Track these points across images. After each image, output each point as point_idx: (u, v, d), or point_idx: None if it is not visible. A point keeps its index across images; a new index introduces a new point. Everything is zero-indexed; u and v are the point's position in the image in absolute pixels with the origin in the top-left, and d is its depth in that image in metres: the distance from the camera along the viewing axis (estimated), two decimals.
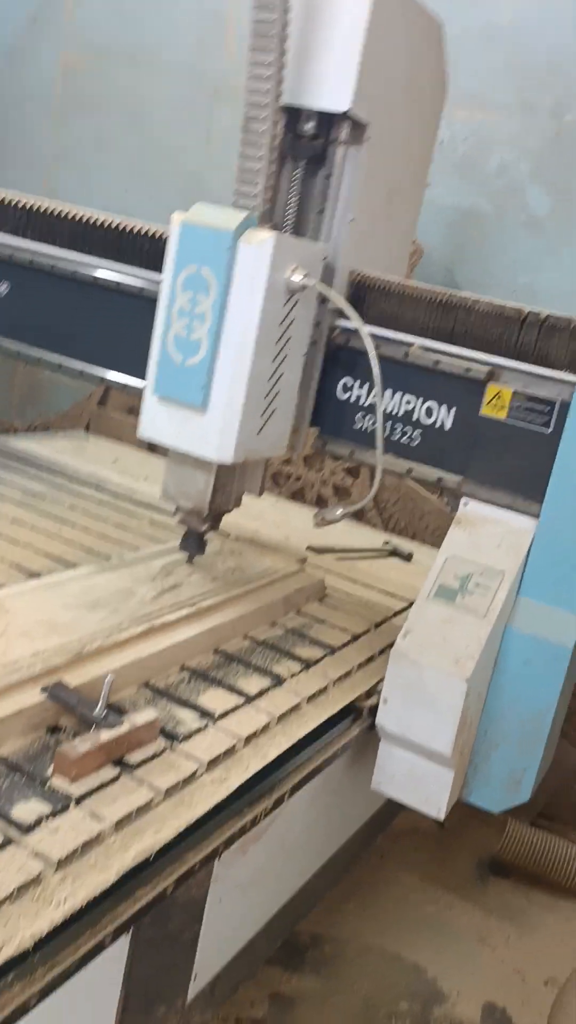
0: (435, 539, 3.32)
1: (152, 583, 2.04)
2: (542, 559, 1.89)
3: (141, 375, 2.33)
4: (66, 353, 2.42)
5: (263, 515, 3.00)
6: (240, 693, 1.81)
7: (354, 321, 1.81)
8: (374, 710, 1.93)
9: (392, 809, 2.57)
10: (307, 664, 2.01)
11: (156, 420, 1.87)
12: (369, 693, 2.00)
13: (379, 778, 1.95)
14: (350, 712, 1.94)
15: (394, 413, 2.02)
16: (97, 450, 3.55)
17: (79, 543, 2.37)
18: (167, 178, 3.83)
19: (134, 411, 3.84)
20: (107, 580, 2.02)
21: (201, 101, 3.77)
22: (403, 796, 1.94)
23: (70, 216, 2.31)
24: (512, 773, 1.94)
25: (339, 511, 2.02)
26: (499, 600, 1.86)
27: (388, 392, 2.01)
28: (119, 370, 2.35)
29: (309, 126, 1.80)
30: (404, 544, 3.11)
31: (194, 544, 2.12)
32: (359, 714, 1.96)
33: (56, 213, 2.33)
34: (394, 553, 2.99)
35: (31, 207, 2.35)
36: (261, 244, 1.68)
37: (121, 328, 2.31)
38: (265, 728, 1.73)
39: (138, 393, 2.32)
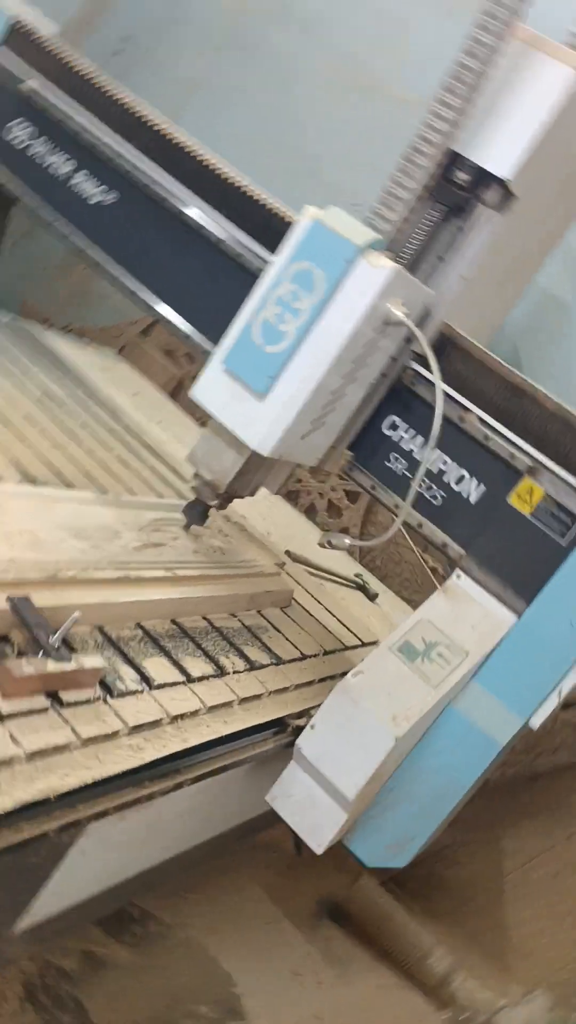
0: (404, 589, 3.35)
1: (139, 532, 2.03)
2: (507, 655, 1.91)
3: (195, 322, 2.35)
4: (130, 271, 2.42)
5: (254, 503, 3.00)
6: (182, 671, 1.81)
7: (434, 375, 1.82)
8: (299, 730, 1.95)
9: (268, 821, 2.58)
10: (252, 666, 2.01)
11: (213, 388, 1.87)
12: (300, 714, 2.01)
13: (276, 793, 1.96)
14: (275, 725, 1.96)
15: (428, 469, 2.03)
16: (122, 377, 3.52)
17: (81, 464, 2.35)
18: (285, 151, 3.80)
19: (171, 354, 3.84)
20: (97, 513, 2.00)
21: (347, 88, 3.74)
22: (291, 819, 1.96)
23: (197, 156, 2.31)
24: (400, 838, 1.96)
25: (347, 541, 2.03)
26: (454, 677, 1.89)
27: (441, 462, 2.04)
28: (176, 310, 2.35)
29: (464, 177, 1.80)
30: (374, 583, 3.13)
31: (197, 515, 2.12)
32: (284, 729, 1.97)
33: (185, 148, 2.32)
34: (362, 588, 3.01)
35: (164, 132, 2.34)
36: (380, 270, 1.69)
37: (194, 272, 2.31)
38: (194, 713, 1.74)
39: (182, 337, 2.33)
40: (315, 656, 2.28)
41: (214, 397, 1.88)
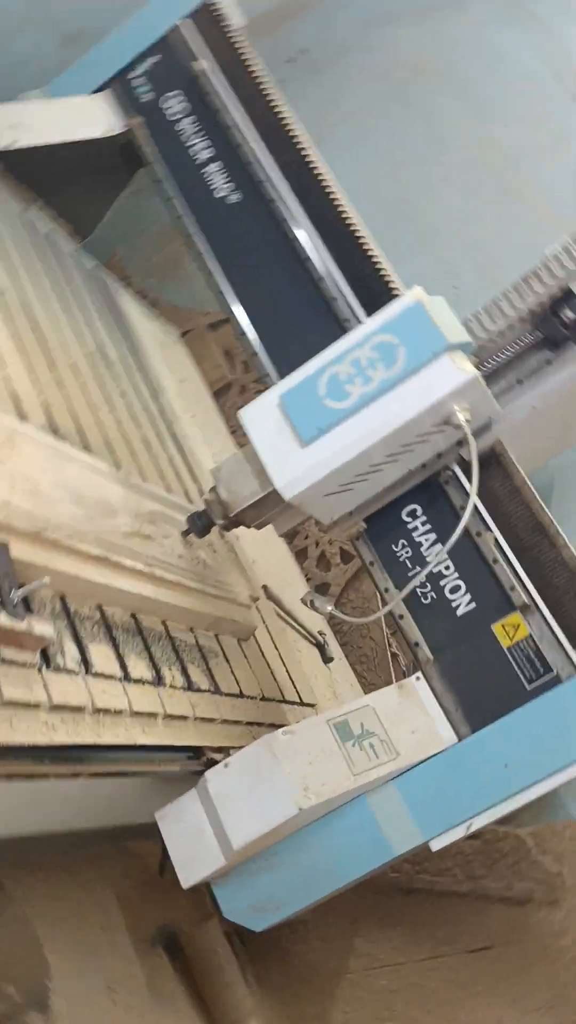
0: (360, 663, 3.33)
1: (134, 519, 2.02)
2: (434, 772, 1.90)
3: (266, 342, 2.36)
4: (225, 270, 2.44)
5: (257, 544, 3.00)
6: (123, 667, 1.80)
7: (472, 486, 1.82)
8: (212, 763, 1.92)
9: (146, 833, 2.54)
10: (189, 686, 1.99)
11: (261, 416, 1.88)
12: (218, 749, 1.98)
13: (166, 813, 1.93)
14: (190, 752, 1.93)
15: (433, 571, 2.03)
16: (176, 360, 3.52)
17: (106, 431, 2.35)
18: (407, 210, 3.81)
19: (230, 355, 3.84)
20: (102, 486, 1.99)
21: (491, 179, 3.76)
22: (172, 843, 1.92)
23: (327, 189, 2.33)
24: (267, 902, 1.93)
25: (329, 608, 2.04)
26: (377, 772, 1.87)
27: (444, 567, 2.03)
28: (253, 322, 2.36)
29: (571, 317, 1.81)
30: (334, 646, 3.11)
31: (199, 527, 2.12)
32: (199, 757, 1.95)
33: (319, 177, 2.35)
34: (321, 648, 2.99)
35: (306, 155, 2.37)
36: (460, 372, 1.70)
37: (284, 295, 2.33)
38: (118, 712, 1.72)
39: (249, 351, 2.35)
40: (252, 698, 2.26)
41: (259, 425, 1.88)
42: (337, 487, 1.87)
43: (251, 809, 1.81)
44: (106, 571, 1.81)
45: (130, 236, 4.13)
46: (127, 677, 1.79)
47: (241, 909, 1.96)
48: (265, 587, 2.81)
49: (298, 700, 2.53)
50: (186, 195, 2.54)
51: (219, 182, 2.50)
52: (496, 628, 1.98)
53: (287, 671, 2.59)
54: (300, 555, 3.52)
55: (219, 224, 2.48)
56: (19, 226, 2.70)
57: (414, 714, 1.96)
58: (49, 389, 2.19)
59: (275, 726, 2.23)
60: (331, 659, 3.01)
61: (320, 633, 3.05)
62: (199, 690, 2.02)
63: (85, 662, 1.69)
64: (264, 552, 2.98)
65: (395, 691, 1.99)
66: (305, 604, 2.07)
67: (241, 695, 2.20)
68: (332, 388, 1.81)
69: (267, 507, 2.00)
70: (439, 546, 2.05)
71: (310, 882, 1.90)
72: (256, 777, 1.82)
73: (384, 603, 2.08)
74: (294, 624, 2.88)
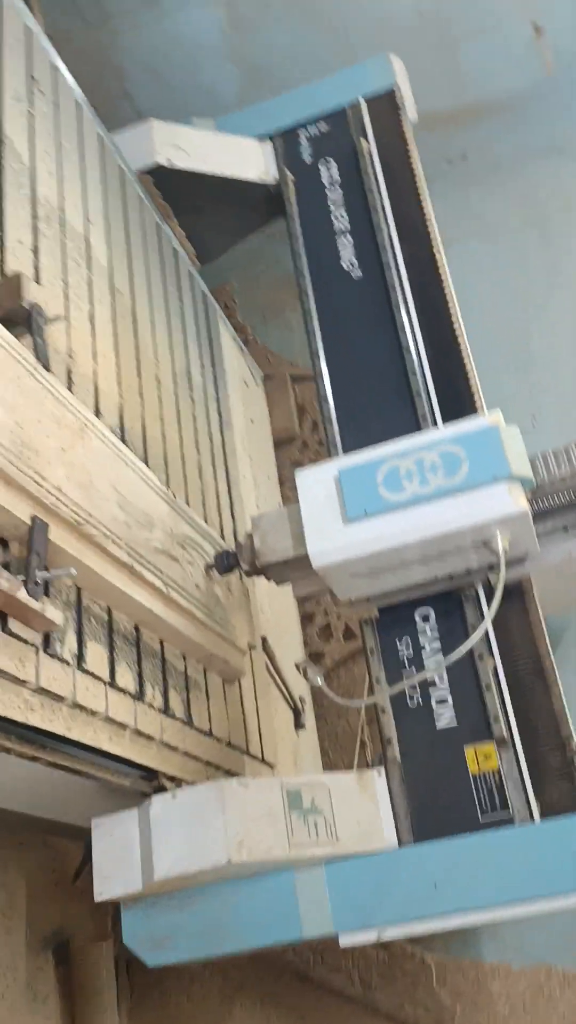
0: (328, 739, 3.35)
1: (167, 538, 2.09)
2: (365, 870, 1.92)
3: (342, 409, 2.45)
4: (324, 333, 2.55)
5: (270, 595, 3.05)
6: (112, 673, 1.85)
7: (489, 611, 1.88)
8: (161, 789, 1.96)
9: (74, 833, 2.57)
10: (165, 711, 2.04)
11: (315, 484, 1.95)
12: (172, 777, 2.02)
13: (102, 823, 1.95)
14: (145, 771, 1.97)
15: (428, 678, 2.08)
16: (252, 399, 3.61)
17: (166, 447, 2.43)
18: (513, 333, 3.91)
19: (302, 411, 3.93)
20: (148, 499, 2.06)
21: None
22: (98, 853, 1.93)
23: (445, 293, 2.44)
24: (166, 941, 1.94)
25: (319, 681, 2.09)
26: (313, 851, 1.89)
27: (438, 677, 2.09)
28: (334, 389, 2.46)
29: None
30: (309, 715, 3.14)
31: (223, 565, 2.19)
32: (150, 779, 1.98)
33: (440, 278, 2.46)
34: (296, 713, 3.02)
35: (434, 256, 2.48)
36: (513, 504, 1.77)
37: (372, 375, 2.43)
38: (92, 713, 1.77)
39: (324, 413, 2.44)
40: (218, 740, 2.30)
41: (311, 490, 1.95)
42: (365, 571, 1.94)
43: (183, 846, 1.84)
44: (127, 579, 1.88)
45: (248, 271, 4.28)
46: (112, 683, 1.84)
47: (140, 938, 1.97)
48: (265, 639, 2.86)
49: (260, 756, 2.56)
50: (313, 256, 2.66)
51: (347, 254, 2.62)
52: (469, 751, 2.02)
53: (259, 724, 2.62)
54: (307, 619, 3.57)
55: (334, 292, 2.59)
56: (152, 237, 2.83)
57: (365, 806, 1.99)
58: (128, 393, 2.29)
59: (231, 773, 2.27)
60: (303, 726, 3.04)
61: (300, 699, 3.09)
62: (173, 716, 2.06)
63: (80, 656, 1.75)
64: (273, 604, 3.03)
65: (354, 778, 2.02)
66: (298, 669, 2.12)
67: (209, 734, 2.24)
68: (390, 479, 1.88)
69: (294, 568, 2.06)
70: (440, 657, 2.10)
71: (214, 936, 1.92)
72: (199, 816, 1.85)
73: (372, 692, 2.12)
74: (279, 682, 2.92)
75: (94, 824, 1.95)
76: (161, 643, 2.11)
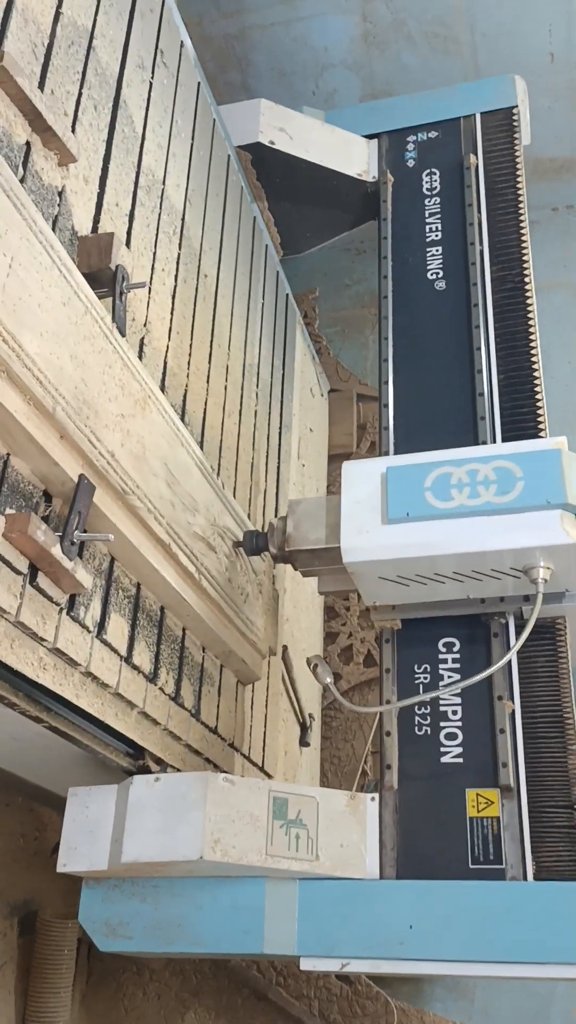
0: (329, 760, 3.30)
1: (208, 526, 2.06)
2: (340, 895, 1.84)
3: (401, 416, 2.42)
4: (396, 339, 2.55)
5: (302, 588, 3.02)
6: (130, 649, 1.82)
7: (515, 643, 1.83)
8: (145, 770, 1.92)
9: (54, 803, 2.54)
10: (175, 699, 2.00)
11: (361, 478, 1.91)
12: (159, 761, 1.98)
13: (78, 793, 1.87)
14: (133, 747, 1.93)
15: (440, 706, 2.02)
16: (315, 410, 3.59)
17: (223, 436, 2.41)
18: None
19: (363, 430, 3.89)
20: (197, 483, 2.04)
21: None
22: (69, 823, 1.86)
23: (528, 323, 2.40)
24: (121, 928, 1.86)
25: (328, 680, 2.02)
26: (289, 865, 1.82)
27: (452, 709, 2.02)
28: (396, 395, 2.43)
29: None
30: (316, 735, 3.09)
31: (251, 546, 2.14)
32: (140, 757, 1.94)
33: (526, 306, 2.42)
34: (303, 729, 2.97)
35: (524, 287, 2.45)
36: (563, 533, 1.72)
37: (438, 382, 2.42)
38: (104, 686, 1.74)
39: (383, 419, 2.41)
40: (221, 739, 2.26)
41: (355, 484, 1.90)
42: (395, 576, 1.88)
43: (157, 833, 1.76)
44: (162, 557, 1.86)
45: (334, 282, 4.26)
46: (128, 659, 1.81)
47: (96, 920, 1.90)
48: (285, 648, 2.82)
49: (260, 764, 2.52)
50: (399, 260, 2.63)
51: (434, 265, 2.59)
52: (470, 793, 1.94)
53: (264, 732, 2.58)
54: (330, 637, 3.52)
55: (415, 299, 2.55)
56: (247, 228, 2.82)
57: (351, 830, 1.93)
58: (195, 377, 2.27)
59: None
60: (307, 744, 2.99)
61: (310, 716, 3.04)
62: (181, 705, 2.03)
63: (101, 626, 1.72)
64: (299, 615, 2.99)
65: (345, 798, 1.95)
66: (308, 665, 2.05)
67: (214, 731, 2.20)
68: (439, 485, 1.83)
69: (323, 560, 2.01)
70: (458, 688, 2.03)
71: (172, 933, 1.84)
72: (178, 805, 1.78)
73: (382, 721, 2.06)
74: (292, 694, 2.88)
75: (70, 793, 1.87)
76: (183, 631, 2.08)
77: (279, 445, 2.95)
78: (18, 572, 1.46)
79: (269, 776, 2.57)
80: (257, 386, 2.78)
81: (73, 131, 1.73)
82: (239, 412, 2.58)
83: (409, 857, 1.91)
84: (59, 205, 1.68)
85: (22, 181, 1.55)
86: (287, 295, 3.26)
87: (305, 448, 3.33)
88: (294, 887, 1.86)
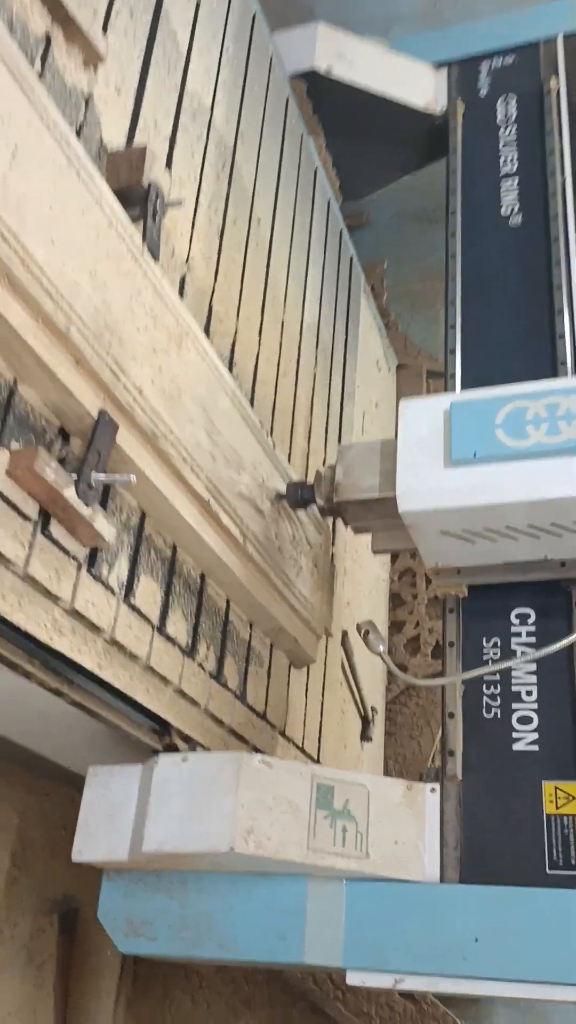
0: (395, 760, 3.06)
1: (256, 487, 1.85)
2: (394, 899, 1.59)
3: (470, 341, 2.18)
4: (465, 272, 2.31)
5: (367, 569, 2.79)
6: (163, 618, 1.62)
7: None
8: (172, 749, 1.71)
9: (74, 782, 2.34)
10: (216, 677, 1.80)
11: (422, 415, 1.65)
12: (187, 738, 1.76)
13: (99, 772, 1.65)
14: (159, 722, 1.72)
15: (512, 686, 1.76)
16: (381, 383, 3.36)
17: (277, 396, 2.21)
18: None
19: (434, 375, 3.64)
20: (244, 437, 1.83)
21: None
22: (87, 805, 1.65)
23: None
24: (143, 927, 1.63)
25: (381, 649, 1.78)
26: (334, 862, 1.58)
27: (526, 689, 1.76)
28: (464, 321, 2.22)
29: None
30: (379, 729, 2.86)
31: (296, 498, 1.91)
32: (167, 734, 1.73)
33: None
34: (365, 722, 2.74)
35: None
36: None
37: (513, 321, 2.19)
38: (132, 657, 1.54)
39: (449, 342, 2.18)
40: (270, 725, 2.04)
41: (414, 423, 1.65)
42: (459, 530, 1.62)
43: (183, 820, 1.54)
44: (199, 515, 1.65)
45: (403, 254, 4.02)
46: (161, 628, 1.61)
47: (116, 917, 1.67)
48: (345, 633, 2.59)
49: (314, 757, 2.29)
50: (470, 195, 2.39)
51: (509, 199, 2.34)
52: (548, 787, 1.67)
53: (320, 724, 2.36)
54: (395, 627, 3.28)
55: (486, 235, 2.31)
56: (303, 165, 2.60)
57: (408, 824, 1.67)
58: (246, 327, 2.06)
59: None
60: (369, 739, 2.76)
61: (372, 709, 2.81)
62: (225, 685, 1.82)
63: (129, 588, 1.52)
64: (360, 600, 2.76)
65: (402, 788, 1.70)
66: (359, 632, 1.81)
67: (263, 716, 1.99)
68: (512, 422, 1.56)
69: (376, 511, 1.76)
70: (532, 666, 1.77)
71: (200, 935, 1.60)
72: (208, 789, 1.55)
73: (444, 700, 1.81)
74: (353, 684, 2.65)
75: (90, 772, 1.65)
76: (228, 603, 1.88)
77: (340, 415, 2.73)
78: (26, 517, 1.27)
79: (313, 759, 2.34)
80: (317, 348, 2.57)
81: (104, 32, 1.54)
82: (295, 373, 2.37)
83: (474, 858, 1.64)
84: (85, 112, 1.49)
85: (40, 76, 1.37)
86: (351, 258, 3.03)
87: (370, 424, 3.10)
88: (341, 888, 1.62)
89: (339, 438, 2.68)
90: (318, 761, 2.30)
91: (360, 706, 2.71)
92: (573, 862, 1.60)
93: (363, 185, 2.96)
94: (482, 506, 1.56)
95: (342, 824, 1.62)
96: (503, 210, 2.34)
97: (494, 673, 1.77)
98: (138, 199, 1.53)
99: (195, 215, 1.86)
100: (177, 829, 1.53)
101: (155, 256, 1.52)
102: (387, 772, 2.96)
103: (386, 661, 1.77)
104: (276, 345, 2.25)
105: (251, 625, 1.97)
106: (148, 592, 1.58)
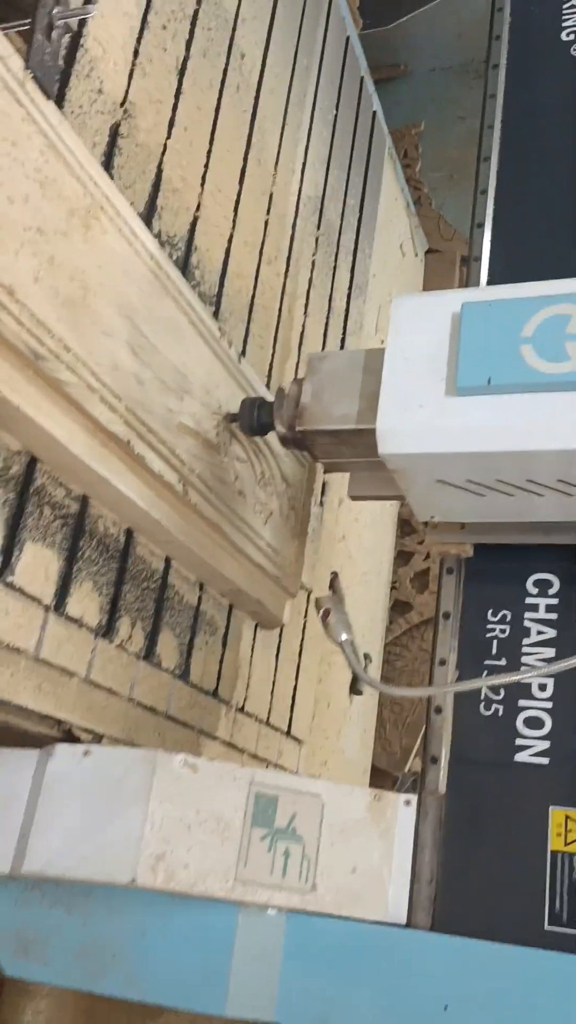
0: (391, 710, 2.71)
1: (203, 416, 1.42)
2: (347, 943, 1.23)
3: (502, 219, 1.66)
4: (504, 135, 1.73)
5: (361, 519, 2.38)
6: (62, 592, 1.22)
7: None
8: (71, 739, 1.33)
9: None
10: (148, 656, 1.41)
11: (421, 320, 1.19)
12: (89, 730, 1.38)
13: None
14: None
15: (517, 679, 1.35)
16: (405, 271, 2.86)
17: (257, 292, 1.74)
18: None
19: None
20: (191, 350, 1.39)
21: None
22: None
23: None
24: (33, 947, 1.31)
25: (343, 639, 1.34)
26: (269, 897, 1.22)
27: (540, 682, 1.35)
28: (499, 197, 1.68)
29: None
30: (373, 678, 2.50)
31: (250, 421, 1.40)
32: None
33: None
34: (355, 681, 2.37)
35: None
36: None
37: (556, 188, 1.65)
38: (15, 651, 1.16)
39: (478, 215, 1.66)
40: (224, 703, 1.67)
41: (408, 330, 1.19)
42: (462, 480, 1.19)
43: (76, 836, 1.20)
44: (118, 461, 1.23)
45: (444, 114, 3.41)
46: (58, 607, 1.21)
47: (4, 929, 1.36)
48: (335, 575, 2.18)
49: (285, 729, 1.93)
50: (522, 14, 1.80)
51: (573, 21, 1.76)
52: (556, 815, 1.28)
53: (295, 688, 1.98)
54: (402, 557, 2.88)
55: (541, 68, 1.74)
56: None
57: (370, 847, 1.29)
58: (213, 199, 1.58)
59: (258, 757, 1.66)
60: (359, 692, 2.40)
61: (366, 656, 2.43)
62: (157, 665, 1.44)
63: (4, 562, 1.12)
64: (360, 531, 2.35)
65: (367, 799, 1.31)
66: (317, 610, 1.39)
67: (213, 694, 1.62)
68: (545, 336, 1.09)
69: (353, 447, 1.32)
70: (551, 652, 1.36)
71: (100, 966, 1.25)
72: (111, 797, 1.20)
73: (431, 679, 1.41)
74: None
75: None
76: (167, 563, 1.47)
77: (346, 313, 2.24)
78: None
79: (298, 743, 1.99)
80: (319, 228, 2.07)
81: None
82: (286, 260, 1.89)
83: (452, 899, 1.25)
84: None
85: None
86: (374, 112, 2.48)
87: (387, 322, 2.61)
88: (279, 924, 1.25)
89: (342, 340, 2.21)
90: (288, 733, 1.94)
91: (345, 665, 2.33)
92: None
93: (387, 9, 2.35)
94: (493, 453, 1.11)
95: (284, 847, 1.25)
96: (565, 35, 1.78)
97: (497, 688, 1.36)
98: (26, 4, 1.05)
99: (140, 39, 1.36)
100: (67, 847, 1.18)
101: (46, 92, 1.05)
102: (381, 727, 2.62)
103: (347, 655, 1.35)
104: (260, 224, 1.76)
105: (201, 587, 1.57)
106: (37, 564, 1.17)
